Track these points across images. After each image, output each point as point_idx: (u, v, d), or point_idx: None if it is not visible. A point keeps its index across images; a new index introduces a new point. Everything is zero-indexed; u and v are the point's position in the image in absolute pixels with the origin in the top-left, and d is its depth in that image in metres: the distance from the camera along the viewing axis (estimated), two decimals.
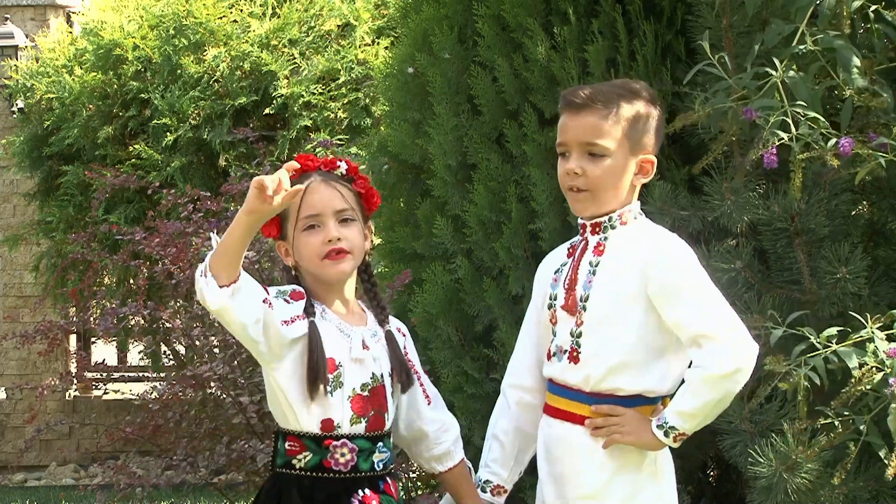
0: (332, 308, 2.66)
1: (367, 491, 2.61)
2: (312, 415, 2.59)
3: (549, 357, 2.69)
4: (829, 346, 2.88)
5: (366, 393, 2.61)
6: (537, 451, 2.73)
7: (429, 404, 2.73)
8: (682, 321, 2.56)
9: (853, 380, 2.84)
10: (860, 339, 2.88)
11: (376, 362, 2.64)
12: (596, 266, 2.65)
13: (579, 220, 2.73)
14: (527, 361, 2.78)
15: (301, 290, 2.61)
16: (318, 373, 2.56)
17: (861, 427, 2.89)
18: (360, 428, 2.60)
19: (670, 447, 2.65)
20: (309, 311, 2.59)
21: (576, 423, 2.63)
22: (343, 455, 2.60)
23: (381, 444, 2.63)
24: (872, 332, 2.88)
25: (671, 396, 2.66)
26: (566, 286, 2.67)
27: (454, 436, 2.74)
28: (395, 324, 2.76)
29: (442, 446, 2.72)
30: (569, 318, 2.65)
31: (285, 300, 2.57)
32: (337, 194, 2.65)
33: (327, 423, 2.59)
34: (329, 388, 2.58)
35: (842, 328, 2.93)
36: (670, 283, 2.59)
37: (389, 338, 2.69)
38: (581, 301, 2.64)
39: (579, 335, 2.63)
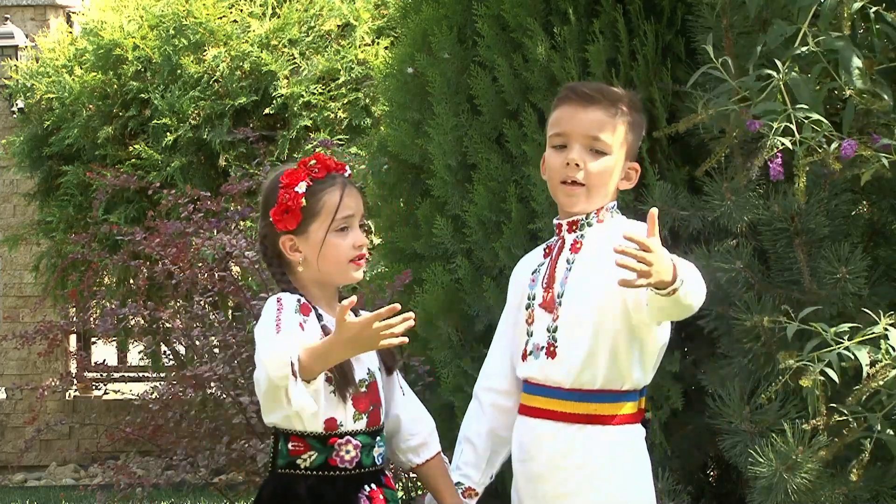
0: (324, 309, 2.67)
1: (374, 486, 2.64)
2: (316, 415, 2.59)
3: (524, 357, 2.69)
4: (841, 343, 2.87)
5: (364, 389, 2.63)
6: (512, 451, 2.73)
7: (403, 395, 2.75)
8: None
9: (866, 376, 2.83)
10: (872, 335, 2.87)
11: (370, 357, 2.65)
12: (572, 263, 2.66)
13: (555, 221, 2.73)
14: (500, 365, 2.78)
15: (306, 302, 2.62)
16: (348, 378, 2.58)
17: (874, 424, 2.88)
18: (361, 424, 2.62)
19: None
20: (319, 316, 2.61)
21: (557, 420, 2.63)
22: (348, 452, 2.62)
23: (379, 438, 2.66)
24: (885, 329, 2.87)
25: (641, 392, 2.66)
26: (544, 285, 2.68)
27: (430, 427, 2.75)
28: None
29: (417, 437, 2.72)
30: (546, 316, 2.66)
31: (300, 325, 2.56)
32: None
33: (330, 422, 2.60)
34: (331, 388, 2.60)
35: (852, 325, 2.92)
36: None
37: None
38: (558, 297, 2.65)
39: (555, 330, 2.64)
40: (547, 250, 2.74)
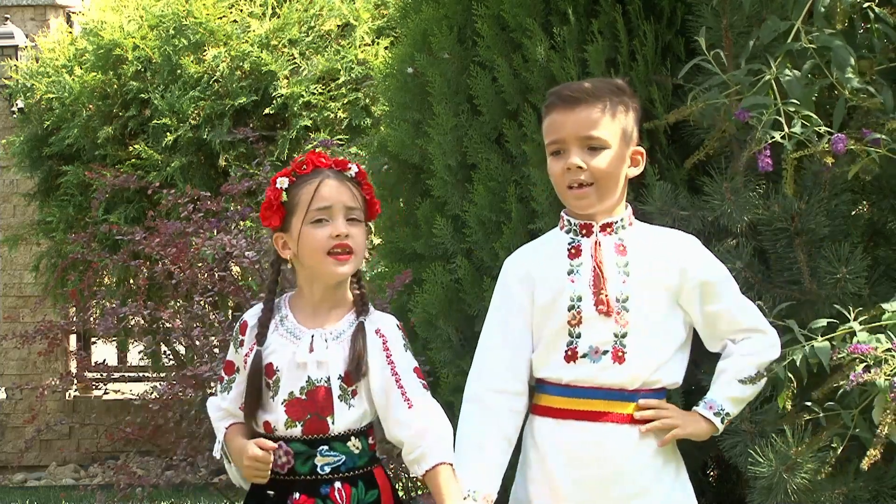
0: (300, 307, 2.69)
1: (300, 495, 2.62)
2: (258, 417, 2.69)
3: (571, 359, 2.68)
4: (813, 339, 2.89)
5: (303, 396, 2.63)
6: (552, 457, 2.70)
7: (409, 408, 2.66)
8: (728, 315, 2.72)
9: (830, 372, 2.85)
10: (846, 331, 2.88)
11: (320, 366, 2.64)
12: (625, 267, 2.68)
13: (574, 221, 2.73)
14: (511, 365, 2.75)
15: (245, 320, 2.72)
16: (251, 406, 2.68)
17: (848, 422, 2.89)
18: (295, 431, 2.62)
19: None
20: (260, 337, 2.67)
21: (621, 423, 2.66)
22: (280, 457, 2.64)
23: (324, 447, 2.63)
24: (854, 327, 2.88)
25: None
26: (592, 286, 2.67)
27: (432, 438, 2.65)
28: (379, 324, 2.71)
29: (418, 450, 2.65)
30: (605, 319, 2.67)
31: (229, 363, 2.77)
32: (348, 192, 2.69)
33: (266, 425, 2.66)
34: (270, 394, 2.65)
35: (831, 319, 2.93)
36: (712, 280, 2.72)
37: (357, 331, 2.67)
38: (619, 301, 2.66)
39: (624, 335, 2.66)
40: (573, 250, 2.73)
